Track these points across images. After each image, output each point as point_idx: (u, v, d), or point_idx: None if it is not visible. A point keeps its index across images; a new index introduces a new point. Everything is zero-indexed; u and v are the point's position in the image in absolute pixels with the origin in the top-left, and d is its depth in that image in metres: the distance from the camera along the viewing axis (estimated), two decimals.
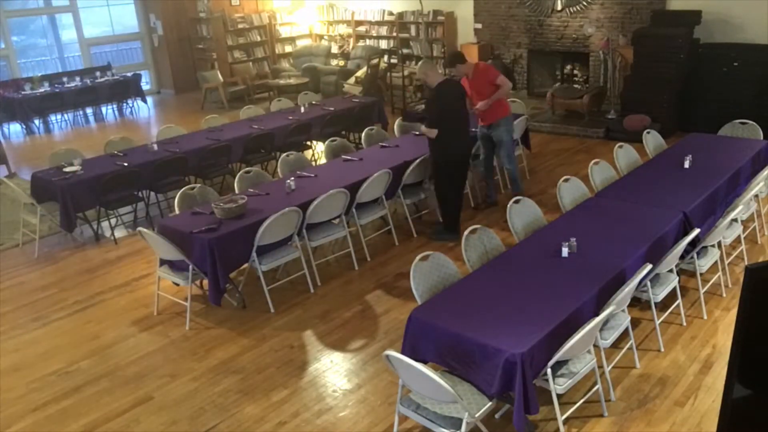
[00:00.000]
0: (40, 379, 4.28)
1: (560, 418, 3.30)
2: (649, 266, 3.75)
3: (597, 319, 3.22)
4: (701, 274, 4.47)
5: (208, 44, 13.38)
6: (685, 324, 4.40)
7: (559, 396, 3.29)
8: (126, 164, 6.59)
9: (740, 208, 4.62)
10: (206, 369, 4.28)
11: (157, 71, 14.35)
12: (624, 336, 3.99)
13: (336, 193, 5.25)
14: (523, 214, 4.59)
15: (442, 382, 2.89)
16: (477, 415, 3.08)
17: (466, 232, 4.09)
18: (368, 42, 13.18)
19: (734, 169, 5.28)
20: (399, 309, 4.85)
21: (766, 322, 1.77)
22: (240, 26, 13.45)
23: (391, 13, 12.80)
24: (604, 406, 3.61)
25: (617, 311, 3.46)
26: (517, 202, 4.59)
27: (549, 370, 3.19)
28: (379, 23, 13.08)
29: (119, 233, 6.62)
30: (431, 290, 3.67)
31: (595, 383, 3.59)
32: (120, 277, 5.68)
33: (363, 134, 7.30)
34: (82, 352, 4.56)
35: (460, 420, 3.04)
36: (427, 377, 2.91)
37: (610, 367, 3.88)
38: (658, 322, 4.19)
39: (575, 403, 3.54)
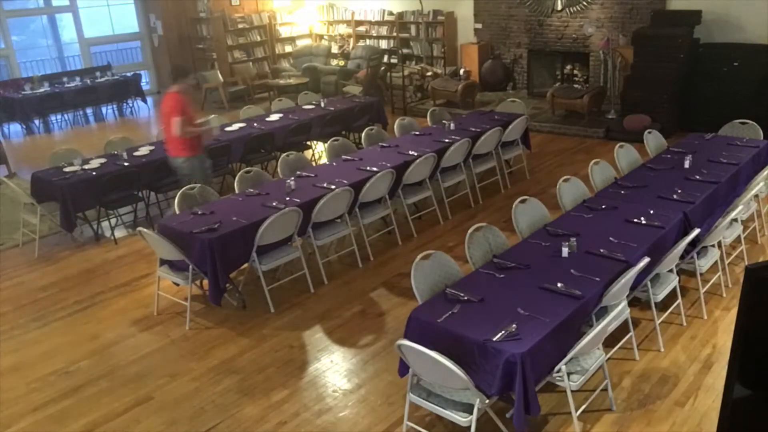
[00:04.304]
0: (40, 379, 4.27)
1: (575, 414, 3.33)
2: (647, 259, 3.76)
3: (610, 317, 3.25)
4: (701, 274, 4.47)
5: (208, 44, 13.38)
6: (685, 324, 4.40)
7: (558, 393, 3.29)
8: (126, 164, 6.59)
9: (740, 208, 4.62)
10: (206, 369, 4.28)
11: (157, 71, 14.35)
12: (624, 333, 3.99)
13: (342, 191, 5.25)
14: (528, 213, 4.58)
15: (454, 367, 2.92)
16: (488, 401, 3.12)
17: (470, 230, 4.09)
18: (368, 42, 13.18)
19: (734, 169, 5.28)
20: (399, 308, 4.85)
21: (766, 322, 1.77)
22: (240, 26, 13.45)
23: (391, 13, 12.80)
24: (612, 401, 3.63)
25: (619, 304, 3.48)
26: (522, 201, 4.59)
27: (564, 368, 3.19)
28: (379, 23, 13.08)
29: (119, 233, 6.61)
30: (432, 289, 3.67)
31: (603, 379, 3.62)
32: (120, 277, 5.68)
33: (363, 134, 7.30)
34: (82, 352, 4.56)
35: (471, 405, 3.10)
36: (440, 364, 2.94)
37: (607, 357, 3.89)
38: (658, 322, 4.19)
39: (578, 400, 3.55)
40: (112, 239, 6.49)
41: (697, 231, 4.21)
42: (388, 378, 4.05)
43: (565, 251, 3.91)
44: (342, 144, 6.92)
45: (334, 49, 13.58)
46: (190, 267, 4.67)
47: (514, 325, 3.19)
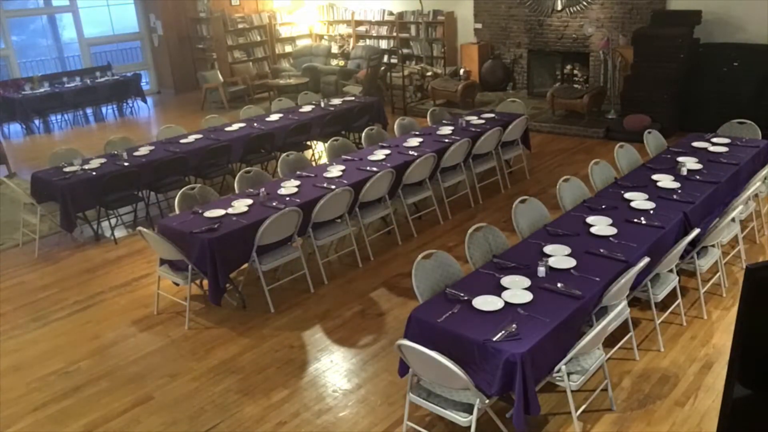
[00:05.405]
0: (40, 379, 4.28)
1: (575, 414, 3.34)
2: (647, 259, 3.76)
3: (610, 317, 3.25)
4: (701, 274, 4.48)
5: (208, 44, 13.38)
6: (685, 324, 4.40)
7: (558, 393, 3.29)
8: (126, 164, 6.59)
9: (740, 207, 4.62)
10: (206, 369, 4.28)
11: (157, 71, 14.35)
12: (624, 333, 3.99)
13: (342, 191, 5.25)
14: (528, 214, 4.58)
15: (454, 367, 2.92)
16: (488, 401, 3.12)
17: (470, 230, 4.09)
18: (368, 42, 13.18)
19: (734, 169, 5.28)
20: (400, 308, 4.85)
21: (766, 322, 1.77)
22: (240, 26, 13.45)
23: (391, 13, 12.80)
24: (612, 401, 3.63)
25: (619, 304, 3.48)
26: (522, 201, 4.59)
27: (564, 368, 3.20)
28: (379, 23, 13.08)
29: (119, 233, 6.62)
30: (432, 289, 3.67)
31: (603, 379, 3.63)
32: (120, 277, 5.68)
33: (363, 134, 7.30)
34: (82, 352, 4.56)
35: (471, 405, 3.10)
36: (440, 364, 2.95)
37: (607, 357, 3.89)
38: (658, 322, 4.19)
39: (578, 400, 3.55)
40: (112, 239, 6.49)
41: (697, 231, 4.21)
42: (388, 378, 4.05)
43: (541, 270, 3.70)
44: (342, 144, 6.92)
45: (334, 49, 13.58)
46: (190, 267, 4.67)
47: (514, 325, 3.20)
